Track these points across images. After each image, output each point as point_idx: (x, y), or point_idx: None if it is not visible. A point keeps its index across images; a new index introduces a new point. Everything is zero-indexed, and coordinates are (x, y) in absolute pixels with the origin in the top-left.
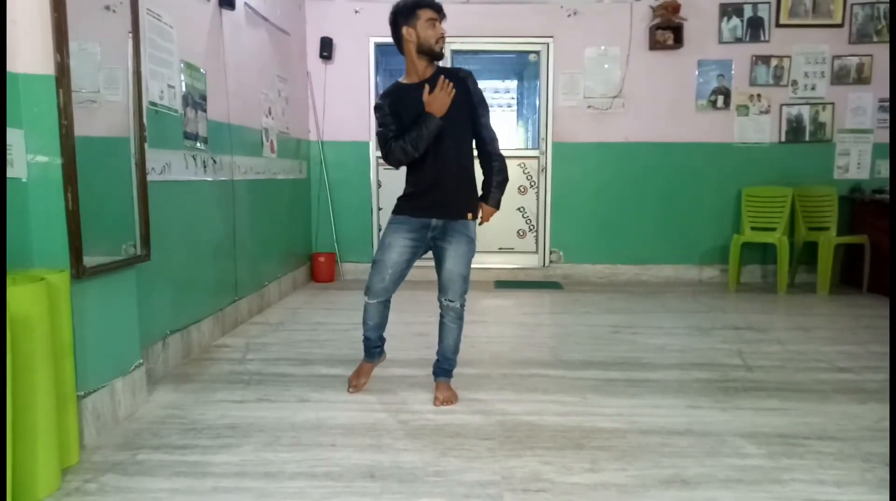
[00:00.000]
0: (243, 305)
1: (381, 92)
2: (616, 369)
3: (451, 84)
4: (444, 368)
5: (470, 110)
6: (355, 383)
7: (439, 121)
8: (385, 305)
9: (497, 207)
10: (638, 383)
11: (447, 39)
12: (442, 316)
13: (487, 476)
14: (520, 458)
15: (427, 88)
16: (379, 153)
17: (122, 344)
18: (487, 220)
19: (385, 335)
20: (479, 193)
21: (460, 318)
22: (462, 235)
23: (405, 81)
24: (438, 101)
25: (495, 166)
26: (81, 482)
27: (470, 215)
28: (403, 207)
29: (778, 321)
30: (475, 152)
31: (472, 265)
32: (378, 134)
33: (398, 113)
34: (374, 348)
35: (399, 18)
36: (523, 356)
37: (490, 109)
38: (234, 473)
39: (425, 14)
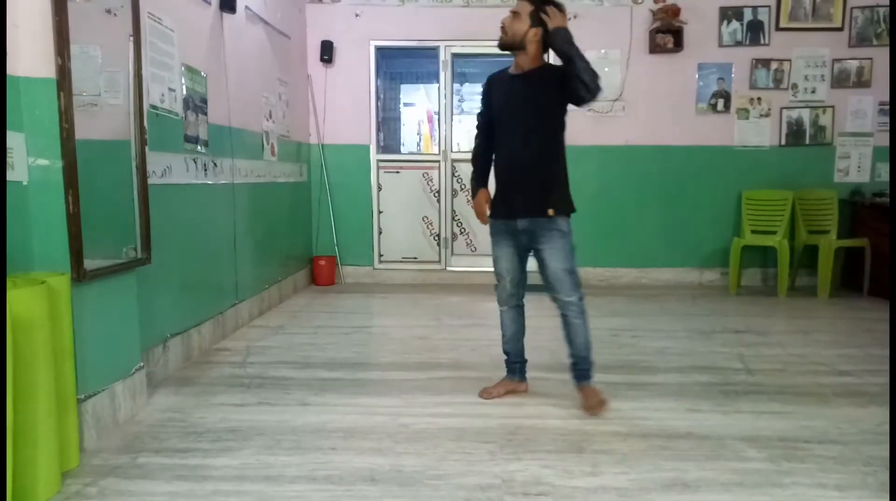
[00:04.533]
0: (244, 308)
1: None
2: (616, 372)
3: None
4: (583, 369)
5: (554, 96)
6: (489, 390)
7: (477, 196)
8: (518, 310)
9: (563, 36)
10: (638, 386)
11: (450, 42)
12: (564, 316)
13: (488, 479)
14: (520, 461)
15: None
16: (381, 157)
17: (122, 347)
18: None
19: (523, 351)
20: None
21: (583, 312)
22: (554, 230)
23: (511, 68)
24: None
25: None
26: (81, 485)
27: (551, 211)
28: (492, 209)
29: (778, 324)
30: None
31: (474, 269)
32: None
33: (489, 96)
34: (513, 362)
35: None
36: None
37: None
38: (234, 476)
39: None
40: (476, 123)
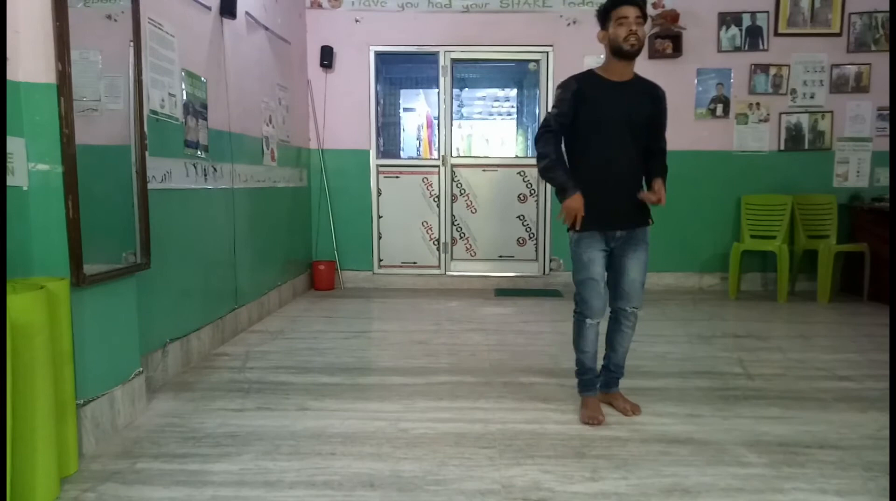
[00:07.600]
0: (243, 313)
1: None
2: None
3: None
4: (618, 376)
5: (656, 124)
6: (600, 418)
7: (575, 196)
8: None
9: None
10: (638, 391)
11: (449, 47)
12: (620, 324)
13: (487, 484)
14: (520, 467)
15: (652, 191)
16: (380, 162)
17: (121, 352)
18: (662, 198)
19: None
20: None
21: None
22: (643, 243)
23: (601, 73)
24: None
25: (663, 159)
26: (80, 491)
27: (651, 220)
28: (588, 222)
29: (778, 329)
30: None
31: (473, 273)
32: (547, 115)
33: (584, 98)
34: (597, 377)
35: (599, 21)
36: (524, 364)
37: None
38: (233, 482)
39: (616, 14)
40: (549, 125)
